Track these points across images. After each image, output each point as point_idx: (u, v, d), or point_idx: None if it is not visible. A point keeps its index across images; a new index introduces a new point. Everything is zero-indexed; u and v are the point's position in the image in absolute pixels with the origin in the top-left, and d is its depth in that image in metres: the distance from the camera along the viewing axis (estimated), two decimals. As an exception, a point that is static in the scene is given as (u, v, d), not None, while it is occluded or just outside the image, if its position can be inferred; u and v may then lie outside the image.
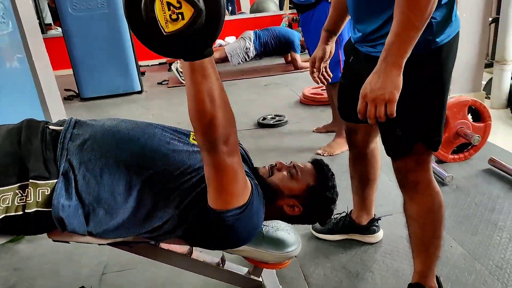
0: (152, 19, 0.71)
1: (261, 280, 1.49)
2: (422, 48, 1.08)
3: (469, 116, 2.35)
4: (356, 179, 1.69)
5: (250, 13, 7.35)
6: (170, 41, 0.74)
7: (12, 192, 0.96)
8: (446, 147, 2.33)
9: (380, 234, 1.77)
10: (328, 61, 1.52)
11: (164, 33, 0.72)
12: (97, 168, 1.03)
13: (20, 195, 0.97)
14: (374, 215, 1.77)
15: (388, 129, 1.21)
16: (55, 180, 1.00)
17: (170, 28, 0.71)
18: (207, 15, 0.73)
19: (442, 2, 1.07)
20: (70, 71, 4.70)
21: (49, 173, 1.00)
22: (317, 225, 1.84)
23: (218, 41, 5.98)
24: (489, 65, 3.85)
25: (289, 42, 5.07)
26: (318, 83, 1.55)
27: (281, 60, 5.67)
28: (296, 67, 5.18)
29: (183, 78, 5.01)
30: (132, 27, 0.75)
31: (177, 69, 5.01)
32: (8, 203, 0.96)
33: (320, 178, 1.25)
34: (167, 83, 5.20)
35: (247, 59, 5.08)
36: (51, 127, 1.12)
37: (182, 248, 1.38)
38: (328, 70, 1.53)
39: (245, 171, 1.11)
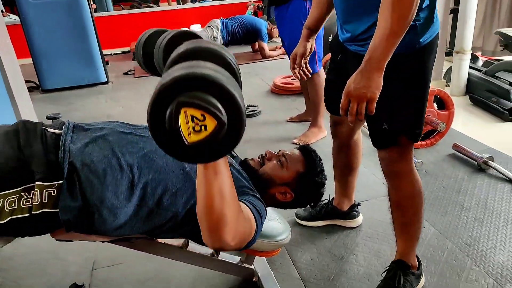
0: (176, 130, 0.71)
1: (253, 267, 1.57)
2: (407, 48, 1.17)
3: (435, 105, 2.52)
4: (339, 167, 1.78)
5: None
6: (190, 150, 0.74)
7: (18, 195, 0.97)
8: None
9: (360, 219, 1.89)
10: (308, 57, 1.59)
11: (186, 143, 0.72)
12: (100, 169, 1.05)
13: (25, 197, 0.98)
14: (354, 201, 1.88)
15: (375, 123, 1.30)
16: (61, 181, 1.01)
17: (192, 138, 0.72)
18: (229, 127, 0.73)
19: (425, 5, 1.15)
20: (28, 60, 4.48)
21: (54, 174, 1.01)
22: (301, 212, 1.93)
23: (183, 30, 5.90)
24: (448, 54, 4.07)
25: (256, 31, 5.09)
26: (299, 78, 1.62)
27: (248, 48, 5.69)
28: (264, 56, 5.22)
29: (150, 68, 4.93)
30: (154, 134, 0.75)
31: (143, 59, 4.90)
32: (14, 206, 0.97)
33: (308, 164, 1.33)
34: (133, 73, 5.09)
35: (215, 48, 5.06)
36: (50, 129, 1.12)
37: (178, 241, 1.42)
38: (308, 66, 1.60)
39: (246, 185, 1.15)
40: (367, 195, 2.08)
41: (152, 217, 1.08)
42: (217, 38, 4.97)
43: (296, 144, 2.75)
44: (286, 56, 4.76)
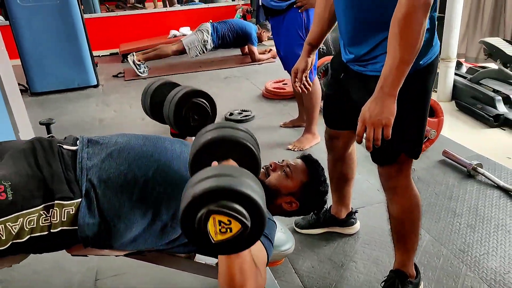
0: (204, 232, 0.82)
1: (257, 276, 1.62)
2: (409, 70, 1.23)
3: (425, 113, 2.60)
4: (335, 178, 1.83)
5: (199, 1, 7.28)
6: (216, 246, 0.84)
7: (37, 214, 0.99)
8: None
9: (357, 226, 1.95)
10: (308, 71, 1.64)
11: (213, 242, 0.83)
12: (117, 185, 1.08)
13: (44, 215, 1.00)
14: (352, 208, 1.95)
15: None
16: (79, 200, 1.04)
17: (218, 238, 0.82)
18: (251, 228, 0.83)
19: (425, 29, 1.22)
20: (17, 62, 4.41)
21: (73, 193, 1.04)
22: (299, 221, 1.98)
23: (173, 32, 5.90)
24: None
25: (246, 34, 5.12)
26: (300, 92, 1.67)
27: (237, 51, 5.72)
28: (254, 60, 5.26)
29: (140, 71, 4.92)
30: (184, 231, 0.86)
31: (133, 62, 4.89)
32: (33, 224, 0.98)
33: (312, 174, 1.39)
34: (123, 76, 5.06)
35: (205, 52, 5.08)
36: (65, 147, 1.14)
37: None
38: (309, 79, 1.66)
39: None
40: (363, 201, 2.15)
41: (166, 231, 1.12)
42: (207, 42, 4.99)
43: (291, 150, 2.81)
44: (276, 60, 4.83)
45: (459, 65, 3.92)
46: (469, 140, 2.81)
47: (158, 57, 4.97)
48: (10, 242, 0.96)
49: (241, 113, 3.48)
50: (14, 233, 0.96)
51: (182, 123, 1.41)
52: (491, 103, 3.11)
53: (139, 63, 4.88)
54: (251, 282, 0.95)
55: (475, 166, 2.30)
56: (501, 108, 3.06)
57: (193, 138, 1.15)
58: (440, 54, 1.32)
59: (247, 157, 1.05)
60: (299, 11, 2.46)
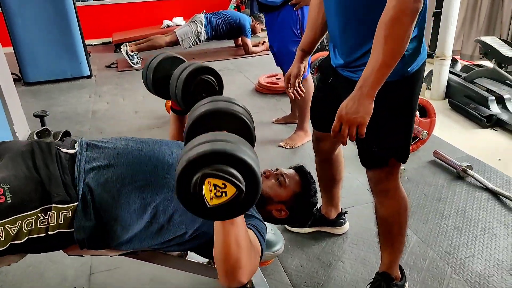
0: (199, 196, 0.83)
1: (247, 274, 1.63)
2: (396, 76, 1.23)
3: (417, 113, 2.61)
4: (324, 180, 1.85)
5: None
6: (211, 210, 0.85)
7: (35, 216, 1.01)
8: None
9: (346, 226, 1.97)
10: (302, 77, 1.63)
11: (208, 206, 0.83)
12: (114, 189, 1.09)
13: (42, 218, 1.02)
14: (341, 209, 1.96)
15: (365, 146, 1.38)
16: (76, 203, 1.05)
17: (213, 202, 0.83)
18: (246, 192, 0.84)
19: (413, 35, 1.20)
20: (9, 49, 4.35)
21: (70, 196, 1.05)
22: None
23: (166, 22, 5.84)
24: (429, 56, 4.17)
25: (240, 26, 5.09)
26: (293, 98, 1.67)
27: (231, 43, 5.68)
28: (247, 52, 5.24)
29: (133, 62, 4.88)
30: (179, 196, 0.86)
31: (126, 52, 4.85)
32: (31, 226, 1.01)
33: (304, 185, 1.42)
34: (116, 66, 5.02)
35: (198, 43, 5.05)
36: (63, 150, 1.15)
37: (176, 250, 1.47)
38: (301, 85, 1.65)
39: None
40: (352, 201, 2.16)
41: (162, 233, 1.14)
42: (201, 33, 4.95)
43: (282, 147, 2.81)
44: (269, 53, 4.82)
45: (454, 62, 3.92)
46: (460, 140, 2.83)
47: (152, 48, 4.92)
48: (9, 243, 0.99)
49: (235, 107, 3.47)
50: (12, 235, 0.98)
51: (190, 99, 1.39)
52: (484, 103, 3.12)
53: (132, 53, 4.83)
54: (246, 256, 0.97)
55: (465, 168, 2.32)
56: (494, 108, 3.08)
57: None
58: (425, 60, 1.33)
59: (242, 129, 1.07)
60: (294, 9, 2.45)
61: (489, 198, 2.17)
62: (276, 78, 4.03)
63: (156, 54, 1.55)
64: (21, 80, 4.45)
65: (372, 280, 1.57)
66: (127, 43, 4.91)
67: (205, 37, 5.03)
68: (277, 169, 1.45)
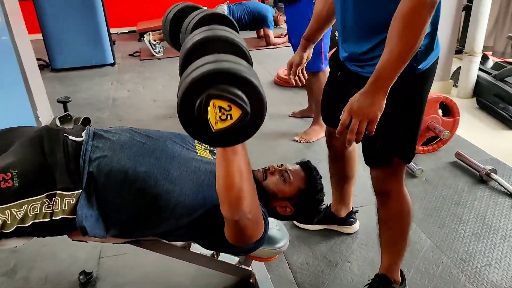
0: (204, 119, 0.78)
1: (250, 269, 1.61)
2: (406, 73, 1.17)
3: (440, 111, 2.50)
4: (335, 176, 1.80)
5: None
6: (216, 135, 0.81)
7: (40, 201, 1.04)
8: (417, 140, 2.48)
9: (356, 226, 1.91)
10: (305, 65, 1.60)
11: (213, 130, 0.79)
12: (117, 180, 1.10)
13: (47, 203, 1.05)
14: (352, 208, 1.90)
15: (369, 143, 1.32)
16: (80, 191, 1.08)
17: (218, 126, 0.79)
18: (252, 116, 0.80)
19: (426, 32, 1.14)
20: (38, 36, 4.47)
21: (74, 184, 1.08)
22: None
23: (212, 12, 5.82)
24: (457, 52, 4.00)
25: (262, 17, 5.03)
26: (293, 84, 1.63)
27: (253, 34, 5.62)
28: (269, 43, 5.17)
29: (156, 51, 4.90)
30: (182, 121, 0.81)
31: (149, 41, 4.88)
32: (37, 211, 1.04)
33: (309, 182, 1.36)
34: (139, 55, 5.06)
35: (220, 34, 5.01)
36: (70, 137, 1.17)
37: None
38: (305, 73, 1.63)
39: None
40: (365, 200, 2.09)
41: (164, 224, 1.15)
42: (224, 24, 4.91)
43: (297, 141, 2.76)
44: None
45: (484, 59, 3.73)
46: (486, 142, 2.69)
47: (175, 37, 4.92)
48: (15, 226, 1.02)
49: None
50: (18, 218, 1.01)
51: None
52: (514, 103, 2.96)
53: (154, 42, 4.86)
54: (248, 186, 0.96)
55: (489, 171, 2.20)
56: (525, 109, 2.92)
57: None
58: (438, 59, 1.26)
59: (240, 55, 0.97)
60: (313, 0, 2.37)
61: (512, 205, 2.05)
62: (297, 71, 3.95)
63: (174, 5, 1.42)
64: (49, 67, 4.57)
65: (370, 281, 1.52)
66: (150, 32, 4.94)
67: (227, 29, 4.99)
68: (282, 165, 1.41)
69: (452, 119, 2.48)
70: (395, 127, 1.26)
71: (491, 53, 4.29)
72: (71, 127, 1.27)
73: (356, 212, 1.90)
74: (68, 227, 1.09)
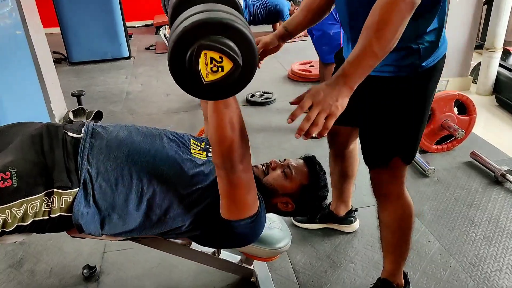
0: (195, 70, 0.77)
1: (252, 268, 1.60)
2: (408, 71, 1.13)
3: (455, 109, 2.42)
4: (336, 174, 1.76)
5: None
6: (206, 88, 0.80)
7: (39, 200, 1.05)
8: (431, 138, 2.41)
9: (356, 224, 1.87)
10: (273, 54, 1.49)
11: (204, 82, 0.78)
12: (113, 178, 1.11)
13: (46, 201, 1.05)
14: (352, 206, 1.86)
15: (370, 142, 1.27)
16: (77, 189, 1.08)
17: (209, 78, 0.78)
18: (243, 68, 0.79)
19: (431, 28, 1.09)
20: (56, 30, 4.54)
21: (71, 182, 1.08)
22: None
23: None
24: (478, 47, 3.86)
25: (279, 11, 4.96)
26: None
27: (268, 28, 5.54)
28: (286, 37, 5.10)
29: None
30: (173, 74, 0.80)
31: (165, 35, 4.88)
32: (36, 209, 1.04)
33: (312, 178, 1.31)
34: (154, 49, 5.08)
35: (236, 28, 4.99)
36: (69, 134, 1.17)
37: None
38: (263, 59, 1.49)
39: None
40: (373, 200, 2.00)
41: (160, 225, 1.15)
42: (240, 18, 4.88)
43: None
44: (307, 38, 4.67)
45: (506, 54, 3.59)
46: (504, 141, 2.59)
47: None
48: (16, 225, 1.03)
49: (263, 95, 3.41)
50: (19, 217, 1.02)
51: None
52: (535, 101, 2.84)
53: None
54: (240, 140, 0.96)
55: (504, 172, 2.12)
56: (546, 107, 2.80)
57: None
58: (445, 56, 1.19)
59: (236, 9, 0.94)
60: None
61: (528, 208, 1.97)
62: (310, 66, 3.91)
63: None
64: (66, 60, 4.63)
65: (371, 285, 1.49)
66: (166, 26, 4.93)
67: (243, 23, 4.95)
68: (284, 160, 1.37)
69: (468, 117, 2.40)
70: (397, 126, 1.22)
71: (513, 48, 4.12)
72: (79, 121, 1.27)
73: (356, 210, 1.87)
74: (66, 224, 1.09)
